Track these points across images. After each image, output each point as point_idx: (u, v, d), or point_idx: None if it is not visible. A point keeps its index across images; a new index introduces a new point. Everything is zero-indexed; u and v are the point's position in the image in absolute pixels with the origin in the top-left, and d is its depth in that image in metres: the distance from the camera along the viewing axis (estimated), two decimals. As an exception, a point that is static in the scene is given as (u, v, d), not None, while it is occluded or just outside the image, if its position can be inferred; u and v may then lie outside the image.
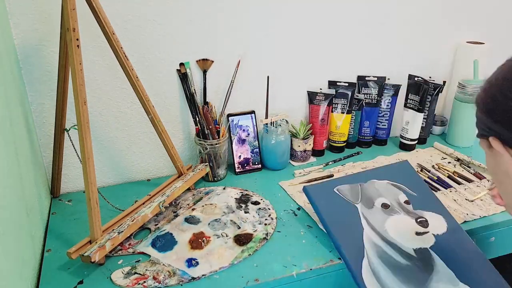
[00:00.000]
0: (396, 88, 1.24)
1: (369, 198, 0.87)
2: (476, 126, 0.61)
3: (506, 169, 0.55)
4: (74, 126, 0.80)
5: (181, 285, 0.74)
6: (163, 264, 0.78)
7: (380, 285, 0.71)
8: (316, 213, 0.86)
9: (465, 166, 1.15)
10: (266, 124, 1.12)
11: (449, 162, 1.18)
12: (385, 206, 0.85)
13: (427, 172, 1.11)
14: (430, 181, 1.07)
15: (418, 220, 0.83)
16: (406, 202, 0.87)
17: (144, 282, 0.73)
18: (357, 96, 1.23)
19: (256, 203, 0.97)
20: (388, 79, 1.25)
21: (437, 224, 0.83)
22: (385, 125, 1.28)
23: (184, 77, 1.02)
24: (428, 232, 0.82)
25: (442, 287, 0.71)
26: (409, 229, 0.81)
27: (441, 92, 1.23)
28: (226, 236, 0.86)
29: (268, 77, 1.09)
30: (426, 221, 0.83)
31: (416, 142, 1.26)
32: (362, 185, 0.90)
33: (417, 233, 0.81)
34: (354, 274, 0.73)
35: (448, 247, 0.79)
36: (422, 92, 1.21)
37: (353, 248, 0.76)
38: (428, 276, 0.73)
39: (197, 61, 1.03)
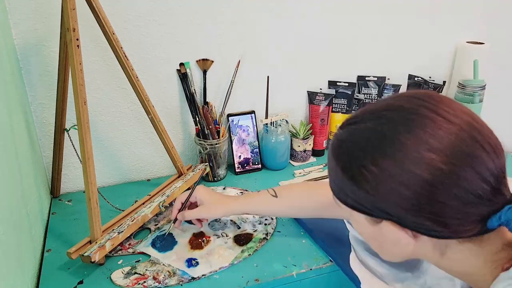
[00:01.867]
0: (396, 88, 1.24)
1: None
2: (340, 192, 0.50)
3: (395, 241, 0.47)
4: (74, 126, 0.80)
5: (181, 285, 0.74)
6: (163, 264, 0.78)
7: (370, 271, 0.70)
8: (301, 224, 0.88)
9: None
10: (266, 124, 1.12)
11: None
12: None
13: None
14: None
15: None
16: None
17: (144, 282, 0.73)
18: (357, 96, 1.23)
19: (256, 203, 0.97)
20: (388, 79, 1.25)
21: None
22: (385, 125, 1.28)
23: (184, 77, 1.02)
24: None
25: (434, 267, 0.71)
26: None
27: (441, 92, 1.23)
28: (226, 236, 0.86)
29: (268, 77, 1.09)
30: None
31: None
32: None
33: None
34: (342, 266, 0.75)
35: None
36: (422, 92, 1.20)
37: (340, 246, 0.77)
38: (418, 260, 0.71)
39: (197, 61, 1.03)
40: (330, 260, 0.79)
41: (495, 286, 0.44)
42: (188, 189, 0.96)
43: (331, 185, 0.51)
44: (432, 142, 0.42)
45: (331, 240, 0.81)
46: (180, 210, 0.84)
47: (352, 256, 0.74)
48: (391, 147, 0.43)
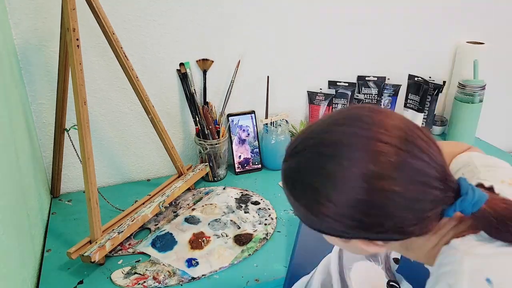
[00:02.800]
0: (396, 88, 1.24)
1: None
2: (311, 224, 0.50)
3: (369, 250, 0.50)
4: (74, 126, 0.80)
5: (181, 285, 0.74)
6: (163, 264, 0.78)
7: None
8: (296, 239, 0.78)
9: (465, 166, 1.15)
10: (266, 124, 1.12)
11: (449, 162, 1.18)
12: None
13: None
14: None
15: (390, 283, 0.70)
16: (396, 260, 0.73)
17: (144, 282, 0.73)
18: (357, 96, 1.23)
19: (256, 203, 0.97)
20: (388, 79, 1.25)
21: None
22: (385, 125, 1.28)
23: (184, 77, 1.02)
24: None
25: None
26: (374, 283, 0.70)
27: (441, 92, 1.23)
28: (226, 236, 0.86)
29: (268, 77, 1.09)
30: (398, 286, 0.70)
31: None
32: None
33: None
34: (285, 284, 0.69)
35: None
36: (422, 92, 1.21)
37: (305, 262, 0.70)
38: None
39: (197, 61, 1.03)
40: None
41: (437, 259, 0.47)
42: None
43: (296, 214, 0.53)
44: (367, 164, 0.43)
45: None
46: None
47: (302, 280, 0.70)
48: (328, 180, 0.45)
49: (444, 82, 1.25)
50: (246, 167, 1.14)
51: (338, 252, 0.74)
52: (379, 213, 0.43)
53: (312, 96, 1.19)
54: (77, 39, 0.73)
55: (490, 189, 0.50)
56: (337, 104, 1.20)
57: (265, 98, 1.11)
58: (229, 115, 1.11)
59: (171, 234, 0.86)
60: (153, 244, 0.83)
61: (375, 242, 0.48)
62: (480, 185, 0.51)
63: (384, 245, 0.49)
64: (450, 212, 0.45)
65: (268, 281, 0.75)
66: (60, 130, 0.91)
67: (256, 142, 1.14)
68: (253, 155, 1.14)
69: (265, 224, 0.89)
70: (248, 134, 1.13)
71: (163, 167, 1.12)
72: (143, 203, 0.91)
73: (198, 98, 1.06)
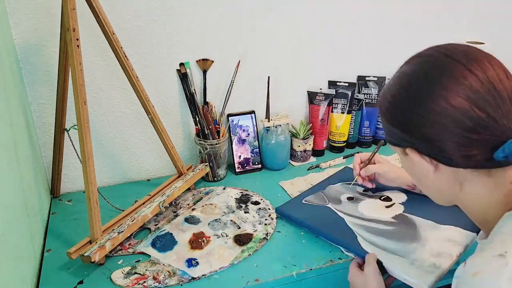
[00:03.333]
0: (396, 88, 1.24)
1: (335, 198, 0.97)
2: (385, 135, 0.62)
3: (424, 171, 0.57)
4: (74, 126, 0.80)
5: (181, 285, 0.74)
6: (163, 264, 0.78)
7: (383, 249, 0.78)
8: (299, 225, 0.89)
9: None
10: (268, 127, 1.12)
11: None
12: (350, 198, 0.96)
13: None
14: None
15: (382, 198, 0.95)
16: (365, 191, 0.99)
17: (144, 282, 0.73)
18: (357, 96, 1.23)
19: (256, 203, 0.97)
20: (388, 79, 1.24)
21: (398, 196, 0.95)
22: (385, 125, 1.28)
23: (184, 77, 1.02)
24: (394, 203, 0.93)
25: (430, 233, 0.81)
26: (378, 206, 0.92)
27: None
28: (226, 236, 0.86)
29: (268, 77, 1.09)
30: (388, 196, 0.95)
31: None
32: (323, 191, 1.00)
33: (387, 207, 0.92)
34: (358, 253, 0.78)
35: (417, 206, 0.90)
36: (422, 92, 1.20)
37: (345, 235, 0.83)
38: (415, 230, 0.83)
39: (197, 61, 1.03)
40: (339, 258, 0.79)
41: (498, 223, 0.51)
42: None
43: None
44: (454, 89, 0.50)
45: (332, 230, 0.85)
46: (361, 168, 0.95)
47: (360, 240, 0.81)
48: (417, 88, 0.54)
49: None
50: (246, 167, 1.14)
51: (345, 215, 0.90)
52: (424, 118, 0.51)
53: (312, 96, 1.19)
54: (77, 39, 0.73)
55: None
56: (337, 104, 1.20)
57: (265, 98, 1.11)
58: (229, 115, 1.11)
59: (171, 234, 0.86)
60: (153, 244, 0.83)
61: (425, 156, 0.54)
62: None
63: (434, 167, 0.54)
64: (500, 153, 0.48)
65: (268, 281, 0.75)
66: (60, 130, 0.91)
67: (256, 142, 1.14)
68: (253, 155, 1.14)
69: (265, 224, 0.89)
70: (248, 134, 1.13)
71: (163, 167, 1.12)
72: (143, 203, 0.91)
73: (198, 98, 1.06)
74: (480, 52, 0.53)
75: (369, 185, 0.96)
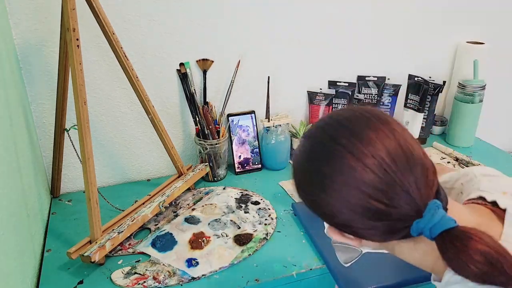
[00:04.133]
0: (396, 88, 1.24)
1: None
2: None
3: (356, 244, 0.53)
4: (74, 126, 0.80)
5: (181, 285, 0.74)
6: (163, 264, 0.78)
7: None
8: (303, 227, 0.89)
9: (464, 166, 1.15)
10: (268, 127, 1.12)
11: (448, 162, 1.18)
12: None
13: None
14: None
15: None
16: None
17: (144, 282, 0.73)
18: (357, 96, 1.23)
19: (256, 203, 0.97)
20: (388, 79, 1.25)
21: None
22: (385, 125, 1.28)
23: (184, 77, 1.02)
24: None
25: None
26: None
27: (441, 92, 1.23)
28: (226, 236, 0.86)
29: (268, 77, 1.09)
30: None
31: (416, 142, 1.26)
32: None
33: None
34: (331, 269, 0.77)
35: None
36: (422, 92, 1.20)
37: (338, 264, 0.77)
38: None
39: (197, 61, 1.03)
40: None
41: (443, 281, 0.46)
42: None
43: None
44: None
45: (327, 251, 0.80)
46: None
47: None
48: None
49: (444, 82, 1.24)
50: (246, 167, 1.14)
51: None
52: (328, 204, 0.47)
53: (312, 96, 1.19)
54: (77, 39, 0.73)
55: (494, 204, 0.48)
56: (337, 104, 1.20)
57: (265, 98, 1.11)
58: (229, 115, 1.11)
59: (171, 234, 0.86)
60: (153, 244, 0.83)
61: (343, 233, 0.51)
62: (482, 198, 0.50)
63: (356, 240, 0.51)
64: (413, 231, 0.45)
65: (268, 281, 0.75)
66: (60, 130, 0.91)
67: (256, 142, 1.14)
68: (253, 155, 1.14)
69: (265, 224, 0.89)
70: (248, 134, 1.13)
71: (163, 167, 1.12)
72: (143, 203, 0.91)
73: (198, 98, 1.06)
74: (372, 123, 0.47)
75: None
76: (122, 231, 0.81)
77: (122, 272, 0.76)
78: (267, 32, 1.08)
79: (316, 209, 0.50)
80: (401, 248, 0.51)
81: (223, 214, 0.93)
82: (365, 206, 0.45)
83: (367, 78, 1.23)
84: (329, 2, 1.10)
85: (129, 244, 0.84)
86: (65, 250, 0.75)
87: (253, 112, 1.13)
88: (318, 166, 0.47)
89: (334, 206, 0.47)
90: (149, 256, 0.80)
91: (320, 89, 1.20)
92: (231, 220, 0.90)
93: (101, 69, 0.95)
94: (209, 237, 0.85)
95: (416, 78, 1.23)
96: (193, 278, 0.75)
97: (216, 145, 1.05)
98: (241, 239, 0.84)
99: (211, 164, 1.06)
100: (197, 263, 0.78)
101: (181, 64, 1.01)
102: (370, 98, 1.23)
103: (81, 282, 0.74)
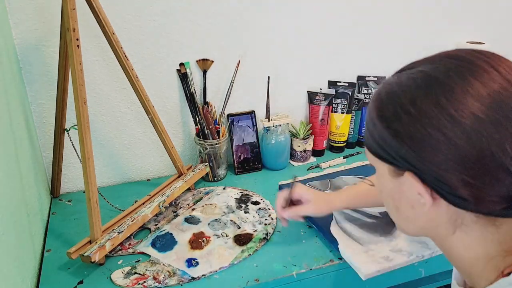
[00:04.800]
0: (396, 88, 1.24)
1: (337, 186, 0.99)
2: (371, 140, 0.47)
3: (413, 202, 0.46)
4: (74, 126, 0.80)
5: (181, 285, 0.74)
6: (163, 264, 0.78)
7: (347, 235, 0.81)
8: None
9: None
10: (268, 127, 1.12)
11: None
12: None
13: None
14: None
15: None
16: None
17: (144, 282, 0.73)
18: (357, 96, 1.23)
19: (256, 203, 0.97)
20: (388, 79, 1.24)
21: None
22: (385, 125, 1.28)
23: (184, 77, 1.02)
24: None
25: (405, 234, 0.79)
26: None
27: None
28: (226, 236, 0.86)
29: (268, 77, 1.09)
30: None
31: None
32: (331, 180, 1.02)
33: None
34: (323, 231, 0.84)
35: None
36: (422, 92, 1.20)
37: (322, 218, 0.84)
38: (393, 228, 0.83)
39: (197, 61, 1.03)
40: (339, 258, 0.79)
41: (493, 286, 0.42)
42: (280, 188, 1.03)
43: (365, 133, 0.50)
44: (481, 93, 0.39)
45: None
46: (284, 207, 0.80)
47: (332, 223, 0.85)
48: (435, 89, 0.41)
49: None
50: (246, 167, 1.14)
51: None
52: (461, 145, 0.39)
53: (312, 96, 1.19)
54: (77, 39, 0.73)
55: None
56: (337, 104, 1.20)
57: (265, 98, 1.11)
58: (229, 115, 1.11)
59: (171, 234, 0.86)
60: (153, 244, 0.83)
61: (426, 186, 0.42)
62: None
63: (432, 201, 0.43)
64: None
65: (268, 281, 0.75)
66: (60, 130, 0.91)
67: (256, 142, 1.14)
68: (253, 155, 1.14)
69: (265, 224, 0.89)
70: (248, 134, 1.13)
71: (163, 167, 1.12)
72: (143, 203, 0.91)
73: (198, 98, 1.06)
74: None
75: (300, 219, 0.81)
76: (122, 231, 0.81)
77: (122, 272, 0.76)
78: (267, 32, 1.08)
79: (425, 144, 0.41)
80: (470, 228, 0.44)
81: (223, 214, 0.93)
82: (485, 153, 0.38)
83: (367, 78, 1.23)
84: (329, 2, 1.10)
85: (129, 244, 0.84)
86: (65, 250, 0.75)
87: (253, 112, 1.13)
88: (458, 76, 0.40)
89: (442, 147, 0.39)
90: (149, 256, 0.80)
91: (320, 89, 1.20)
92: (231, 220, 0.90)
93: (101, 69, 0.95)
94: (209, 237, 0.85)
95: (416, 78, 1.23)
96: (193, 278, 0.75)
97: (216, 145, 1.05)
98: (241, 239, 0.84)
99: (211, 164, 1.06)
100: (197, 263, 0.78)
101: (181, 64, 1.01)
102: (370, 98, 1.23)
103: (81, 282, 0.74)
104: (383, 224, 0.84)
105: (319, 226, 0.86)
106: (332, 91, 1.19)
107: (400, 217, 0.50)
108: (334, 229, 0.83)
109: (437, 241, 0.49)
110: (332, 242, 0.81)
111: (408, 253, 0.77)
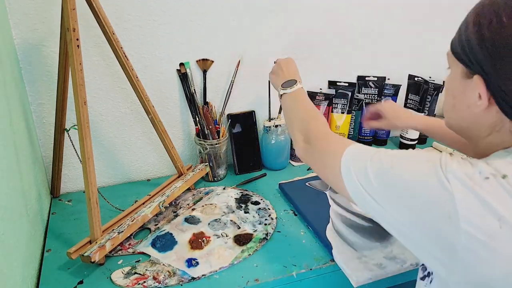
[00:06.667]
0: (396, 88, 1.24)
1: None
2: (457, 42, 0.56)
3: (471, 103, 0.52)
4: (74, 126, 0.80)
5: (181, 285, 0.74)
6: (163, 264, 0.78)
7: (342, 239, 0.82)
8: (290, 203, 0.97)
9: (465, 166, 1.15)
10: (269, 126, 1.12)
11: (449, 162, 1.18)
12: None
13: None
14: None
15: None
16: None
17: (144, 282, 0.73)
18: (357, 96, 1.23)
19: (256, 203, 0.97)
20: (388, 79, 1.25)
21: None
22: (385, 125, 1.28)
23: (184, 77, 1.02)
24: None
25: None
26: None
27: (441, 92, 1.23)
28: (226, 236, 0.86)
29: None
30: None
31: (416, 142, 1.26)
32: None
33: None
34: (318, 234, 0.84)
35: None
36: (422, 92, 1.21)
37: (320, 219, 0.88)
38: (389, 233, 0.83)
39: (197, 61, 1.03)
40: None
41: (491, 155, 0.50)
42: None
43: (454, 36, 0.59)
44: None
45: (315, 216, 0.90)
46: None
47: (329, 226, 0.86)
48: None
49: (444, 82, 1.25)
50: (246, 167, 1.13)
51: (334, 203, 0.94)
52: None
53: (312, 96, 1.18)
54: (77, 39, 0.73)
55: None
56: (337, 104, 1.20)
57: (265, 98, 1.11)
58: (229, 115, 1.11)
59: (171, 234, 0.86)
60: (153, 244, 0.83)
61: (488, 92, 0.49)
62: None
63: (488, 104, 0.49)
64: None
65: (268, 281, 0.75)
66: (60, 130, 0.91)
67: (256, 142, 1.14)
68: (253, 155, 1.14)
69: (265, 224, 0.89)
70: (248, 134, 1.13)
71: (163, 167, 1.12)
72: (143, 203, 0.91)
73: (198, 98, 1.06)
74: None
75: (375, 124, 0.95)
76: (122, 231, 0.81)
77: (122, 272, 0.76)
78: (267, 32, 1.08)
79: (504, 54, 0.46)
80: (504, 133, 0.50)
81: (223, 214, 0.93)
82: None
83: (367, 78, 1.23)
84: (329, 2, 1.10)
85: (129, 244, 0.84)
86: (65, 250, 0.75)
87: (253, 112, 1.13)
88: None
89: None
90: (149, 256, 0.80)
91: (320, 89, 1.20)
92: (231, 220, 0.90)
93: (101, 69, 0.95)
94: (209, 237, 0.85)
95: (416, 78, 1.23)
96: (193, 278, 0.75)
97: (216, 145, 1.05)
98: (241, 239, 0.84)
99: (211, 164, 1.06)
100: (197, 263, 0.78)
101: (181, 64, 1.01)
102: (370, 98, 1.23)
103: (81, 282, 0.74)
104: (380, 229, 0.84)
105: (315, 229, 0.86)
106: (332, 91, 1.19)
107: (453, 114, 0.57)
108: (329, 233, 0.84)
109: (469, 138, 0.56)
110: (326, 246, 0.81)
111: (401, 261, 0.77)
